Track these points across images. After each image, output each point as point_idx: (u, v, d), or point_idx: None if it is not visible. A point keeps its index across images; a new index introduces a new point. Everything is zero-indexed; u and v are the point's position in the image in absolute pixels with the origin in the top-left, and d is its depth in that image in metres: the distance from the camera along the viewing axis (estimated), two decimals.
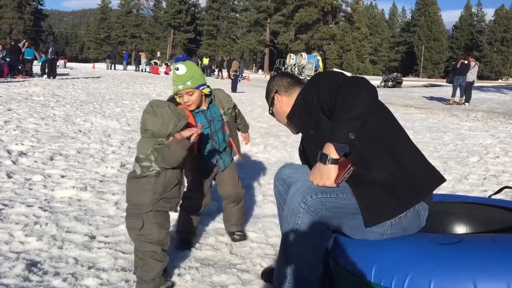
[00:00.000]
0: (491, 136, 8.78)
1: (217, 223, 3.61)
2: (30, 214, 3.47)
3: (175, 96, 2.92)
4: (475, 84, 18.69)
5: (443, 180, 2.10)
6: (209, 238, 3.29)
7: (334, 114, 1.95)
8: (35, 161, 5.14)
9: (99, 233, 3.23)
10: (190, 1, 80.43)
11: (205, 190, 3.14)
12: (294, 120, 2.32)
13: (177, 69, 2.83)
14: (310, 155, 2.23)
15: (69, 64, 40.21)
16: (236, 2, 77.42)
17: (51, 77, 19.24)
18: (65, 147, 6.07)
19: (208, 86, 2.97)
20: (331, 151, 1.90)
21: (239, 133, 3.38)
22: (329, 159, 1.90)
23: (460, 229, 2.54)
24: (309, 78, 2.40)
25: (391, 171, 1.97)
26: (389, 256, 1.94)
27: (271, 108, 2.46)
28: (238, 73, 25.14)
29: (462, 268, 1.77)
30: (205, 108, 3.01)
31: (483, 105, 16.50)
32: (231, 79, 22.36)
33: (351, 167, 1.91)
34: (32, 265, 2.62)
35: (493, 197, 2.87)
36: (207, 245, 3.16)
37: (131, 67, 41.73)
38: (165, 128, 2.28)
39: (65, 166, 5.08)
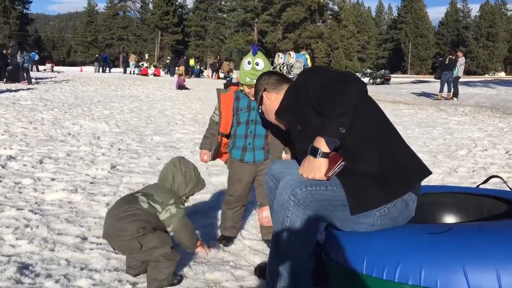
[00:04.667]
0: (479, 130, 8.87)
1: (209, 220, 3.62)
2: (20, 217, 3.45)
3: (240, 84, 2.95)
4: (461, 80, 18.84)
5: (429, 172, 2.13)
6: (201, 236, 3.29)
7: (324, 109, 1.96)
8: (24, 165, 5.10)
9: (90, 234, 3.22)
10: (177, 2, 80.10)
11: (236, 186, 3.15)
12: (283, 116, 2.33)
13: (258, 64, 2.84)
14: (298, 150, 2.25)
15: (56, 68, 39.90)
16: (223, 3, 77.31)
17: (28, 83, 18.16)
18: (54, 150, 6.04)
19: None
20: (321, 144, 1.91)
21: None
22: (319, 153, 1.92)
23: (450, 218, 2.58)
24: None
25: (379, 164, 1.99)
26: (380, 247, 1.96)
27: (260, 106, 2.47)
28: (230, 75, 24.91)
29: (451, 256, 1.79)
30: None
31: (471, 99, 16.65)
32: (227, 79, 22.16)
33: (342, 162, 1.93)
34: (24, 267, 2.60)
35: (481, 186, 2.91)
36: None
37: (118, 70, 41.44)
38: (183, 187, 2.55)
39: (55, 169, 5.05)
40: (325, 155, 1.92)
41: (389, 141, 2.08)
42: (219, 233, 3.37)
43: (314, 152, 1.93)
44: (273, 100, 2.40)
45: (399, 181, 2.02)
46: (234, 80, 21.94)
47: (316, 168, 1.94)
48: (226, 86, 3.16)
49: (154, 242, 2.37)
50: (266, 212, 2.64)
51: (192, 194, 2.64)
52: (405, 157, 2.08)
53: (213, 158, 3.21)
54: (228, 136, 3.11)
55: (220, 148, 3.16)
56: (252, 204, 4.14)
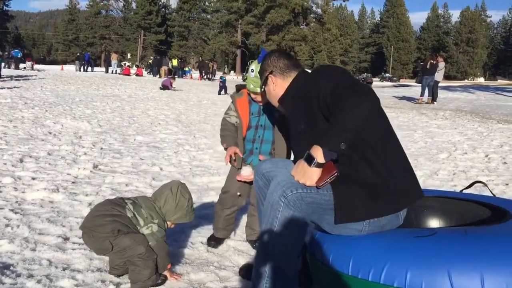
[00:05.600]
0: (459, 134, 9.01)
1: (193, 222, 3.59)
2: (1, 216, 3.38)
3: (249, 90, 2.92)
4: (442, 84, 19.12)
5: (422, 196, 2.13)
6: (185, 237, 3.27)
7: (331, 118, 1.91)
8: (4, 164, 5.01)
9: (72, 234, 3.17)
10: (160, 2, 79.66)
11: (233, 182, 3.08)
12: (286, 106, 2.30)
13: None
14: (296, 149, 2.23)
15: (36, 66, 39.30)
16: (207, 3, 77.09)
17: None
18: (35, 149, 5.94)
19: None
20: (318, 154, 1.88)
21: None
22: (314, 163, 1.90)
23: (434, 222, 2.61)
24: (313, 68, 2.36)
25: (376, 176, 1.97)
26: (366, 249, 1.97)
27: (263, 86, 2.42)
28: (224, 75, 24.52)
29: (437, 259, 1.81)
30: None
31: (451, 104, 16.91)
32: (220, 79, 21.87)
33: (336, 173, 1.91)
34: (4, 267, 2.55)
35: (464, 191, 2.95)
36: (183, 244, 3.15)
37: (99, 69, 40.98)
38: (171, 213, 2.55)
39: (36, 168, 4.97)
40: (319, 165, 1.90)
41: (392, 156, 2.05)
42: (196, 234, 3.35)
43: (309, 160, 1.91)
44: (278, 85, 2.34)
45: (391, 199, 2.00)
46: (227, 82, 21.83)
47: (308, 175, 1.93)
48: (238, 89, 3.14)
49: (126, 243, 2.35)
50: (246, 170, 2.84)
51: (177, 223, 2.63)
52: (404, 176, 2.07)
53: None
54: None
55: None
56: None
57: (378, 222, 2.02)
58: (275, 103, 2.39)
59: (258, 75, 2.69)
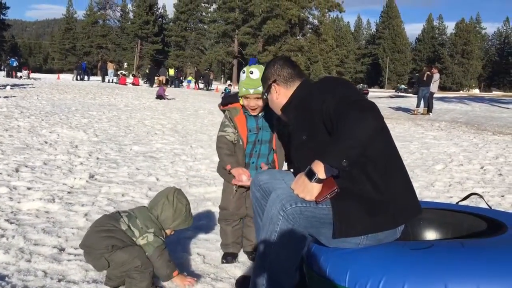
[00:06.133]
0: (454, 145, 9.04)
1: (189, 233, 3.59)
2: None
3: (240, 98, 2.88)
4: (437, 95, 19.25)
5: (420, 212, 2.14)
6: (181, 248, 3.26)
7: (334, 133, 1.91)
8: (0, 173, 4.99)
9: (68, 245, 3.16)
10: (157, 12, 79.99)
11: (230, 200, 3.05)
12: (288, 115, 2.29)
13: (252, 72, 2.78)
14: (296, 159, 2.24)
15: (32, 75, 39.27)
16: (204, 14, 77.40)
17: None
18: (30, 159, 5.93)
19: None
20: (319, 170, 1.88)
21: None
22: (315, 178, 1.89)
23: (431, 235, 2.61)
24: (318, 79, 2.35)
25: (376, 192, 1.97)
26: (363, 261, 1.97)
27: (266, 93, 2.41)
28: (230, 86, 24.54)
29: (434, 272, 1.81)
30: (259, 114, 2.94)
31: (446, 115, 16.99)
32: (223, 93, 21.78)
33: (336, 189, 1.91)
34: None
35: (460, 203, 2.96)
36: (179, 255, 3.13)
37: (95, 78, 41.00)
38: (169, 221, 2.54)
39: (32, 178, 4.95)
40: (320, 181, 1.90)
41: (393, 172, 2.05)
42: (192, 245, 3.34)
43: (310, 175, 1.91)
44: (281, 94, 2.33)
45: (389, 215, 2.01)
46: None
47: (308, 190, 1.93)
48: (225, 102, 3.04)
49: (122, 257, 2.35)
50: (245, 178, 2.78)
51: (175, 230, 2.63)
52: (403, 193, 2.07)
53: None
54: None
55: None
56: None
57: (375, 236, 2.03)
58: (278, 111, 2.39)
59: (250, 75, 2.76)
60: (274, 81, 2.34)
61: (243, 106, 2.93)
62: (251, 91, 2.77)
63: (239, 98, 2.91)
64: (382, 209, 1.99)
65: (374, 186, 1.97)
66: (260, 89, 2.69)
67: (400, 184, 2.07)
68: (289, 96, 2.30)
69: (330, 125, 1.96)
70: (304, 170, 1.96)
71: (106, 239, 2.36)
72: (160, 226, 2.53)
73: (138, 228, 2.45)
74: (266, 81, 2.39)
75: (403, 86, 50.32)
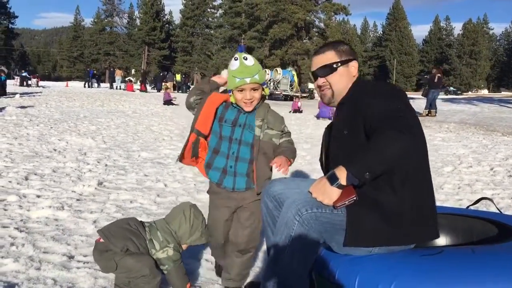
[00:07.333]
0: (463, 147, 8.98)
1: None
2: (5, 235, 3.39)
3: (231, 92, 2.48)
4: (446, 96, 19.21)
5: (437, 236, 2.11)
6: (189, 254, 3.26)
7: (369, 141, 1.89)
8: (10, 181, 5.03)
9: (77, 253, 3.17)
10: (164, 18, 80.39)
11: (217, 225, 2.66)
12: (341, 109, 2.21)
13: (246, 58, 2.42)
14: (332, 152, 2.21)
15: (41, 83, 39.63)
16: (210, 19, 77.71)
17: None
18: (40, 167, 5.96)
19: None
20: (342, 176, 1.86)
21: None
22: (337, 183, 1.88)
23: (441, 240, 2.59)
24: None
25: (397, 205, 1.95)
26: (372, 267, 1.95)
27: (339, 64, 2.22)
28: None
29: (444, 279, 1.80)
30: (245, 111, 2.51)
31: (455, 116, 16.90)
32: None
33: (355, 197, 1.91)
34: (9, 287, 2.55)
35: (471, 207, 2.94)
36: (186, 261, 3.13)
37: (104, 85, 41.32)
38: (187, 236, 2.54)
39: (41, 186, 4.98)
40: (341, 186, 1.89)
41: (418, 188, 2.02)
42: (200, 250, 3.33)
43: (332, 179, 1.89)
44: (345, 78, 2.23)
45: (404, 232, 1.98)
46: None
47: (328, 194, 1.91)
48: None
49: (130, 263, 2.35)
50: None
51: (193, 245, 2.63)
52: (424, 212, 2.03)
53: (182, 159, 2.59)
54: (205, 137, 2.57)
55: (198, 150, 2.55)
56: None
57: (387, 247, 2.02)
58: (330, 97, 2.25)
59: (244, 62, 2.40)
60: (356, 59, 2.28)
61: (232, 103, 2.53)
62: (248, 80, 2.38)
63: (230, 94, 2.52)
64: (398, 224, 1.96)
65: (396, 199, 1.95)
66: (257, 77, 2.40)
67: (423, 203, 2.04)
68: (348, 90, 2.21)
69: (369, 130, 1.95)
70: (334, 163, 1.99)
71: (126, 240, 2.37)
72: (178, 241, 2.55)
73: (159, 241, 2.47)
74: (345, 52, 2.25)
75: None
